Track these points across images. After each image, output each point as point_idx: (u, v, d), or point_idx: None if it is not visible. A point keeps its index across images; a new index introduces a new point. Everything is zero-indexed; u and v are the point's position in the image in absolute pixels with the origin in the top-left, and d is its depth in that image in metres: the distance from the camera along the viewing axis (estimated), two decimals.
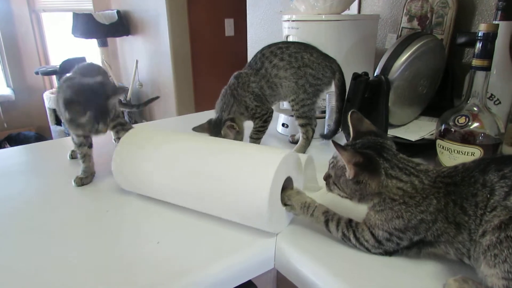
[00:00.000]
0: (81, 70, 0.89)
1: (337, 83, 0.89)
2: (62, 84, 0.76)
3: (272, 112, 0.93)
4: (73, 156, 0.95)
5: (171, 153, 0.67)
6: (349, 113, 0.60)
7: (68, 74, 0.88)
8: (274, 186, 0.56)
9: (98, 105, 0.69)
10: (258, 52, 0.91)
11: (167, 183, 0.66)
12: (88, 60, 3.30)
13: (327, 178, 0.58)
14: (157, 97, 0.86)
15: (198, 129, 0.91)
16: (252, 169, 0.58)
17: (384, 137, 0.55)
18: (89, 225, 0.66)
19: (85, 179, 0.80)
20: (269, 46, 0.90)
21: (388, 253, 0.53)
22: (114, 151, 0.72)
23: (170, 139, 0.71)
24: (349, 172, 0.51)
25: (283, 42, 0.92)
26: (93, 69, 0.90)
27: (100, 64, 0.99)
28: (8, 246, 0.60)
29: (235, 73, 0.91)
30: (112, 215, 0.68)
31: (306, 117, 0.89)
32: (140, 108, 0.75)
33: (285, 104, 1.07)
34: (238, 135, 0.90)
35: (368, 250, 0.54)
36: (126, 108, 1.31)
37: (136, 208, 0.71)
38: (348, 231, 0.55)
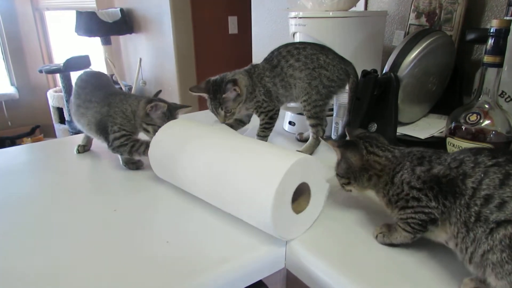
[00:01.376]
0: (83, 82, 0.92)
1: (351, 86, 0.89)
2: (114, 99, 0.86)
3: (278, 110, 0.92)
4: (79, 151, 0.97)
5: (195, 147, 0.68)
6: (346, 128, 0.69)
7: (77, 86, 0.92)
8: (281, 194, 0.54)
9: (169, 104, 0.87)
10: (274, 49, 0.90)
11: (190, 174, 0.68)
12: (91, 58, 3.29)
13: (340, 182, 0.63)
14: (160, 91, 0.94)
15: (195, 89, 0.88)
16: (260, 176, 0.56)
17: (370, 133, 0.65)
18: (96, 224, 0.65)
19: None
20: (286, 45, 0.90)
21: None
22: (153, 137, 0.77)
23: (199, 133, 0.72)
24: (337, 155, 0.61)
25: (300, 43, 0.92)
26: (93, 78, 0.93)
27: (99, 68, 1.01)
28: (15, 245, 0.60)
29: (252, 64, 0.91)
30: (120, 214, 0.68)
31: (318, 118, 0.89)
32: None
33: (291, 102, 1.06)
34: (238, 98, 0.86)
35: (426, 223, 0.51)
36: None
37: (145, 207, 0.71)
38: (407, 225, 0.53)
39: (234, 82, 0.84)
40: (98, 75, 0.94)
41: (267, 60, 0.91)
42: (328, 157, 0.90)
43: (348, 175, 0.60)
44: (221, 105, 0.85)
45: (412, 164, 0.52)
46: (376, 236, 0.57)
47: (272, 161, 0.58)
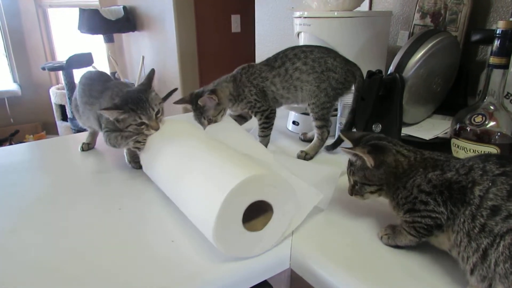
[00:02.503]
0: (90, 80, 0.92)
1: (357, 87, 0.89)
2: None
3: (274, 110, 0.92)
4: (83, 149, 0.97)
5: (170, 150, 0.69)
6: (340, 133, 0.67)
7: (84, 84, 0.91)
8: (226, 212, 0.51)
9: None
10: (280, 52, 0.91)
11: (162, 179, 0.69)
12: (93, 55, 3.27)
13: (352, 189, 0.60)
14: (175, 89, 0.91)
15: (180, 101, 0.91)
16: (206, 193, 0.55)
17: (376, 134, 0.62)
18: (101, 222, 0.65)
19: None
20: (293, 48, 0.90)
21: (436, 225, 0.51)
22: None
23: (178, 137, 0.72)
24: (369, 161, 0.55)
25: (306, 46, 0.92)
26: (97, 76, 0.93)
27: (102, 69, 1.01)
28: (20, 242, 0.60)
29: (248, 64, 0.92)
30: (124, 213, 0.68)
31: (324, 119, 0.89)
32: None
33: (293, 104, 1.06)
34: (218, 106, 0.88)
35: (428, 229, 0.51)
36: None
37: (149, 206, 0.71)
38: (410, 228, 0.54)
39: (212, 91, 0.86)
40: (101, 73, 0.95)
41: (269, 60, 0.91)
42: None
43: (382, 181, 0.56)
44: (203, 115, 0.88)
45: (426, 171, 0.52)
46: (381, 238, 0.57)
47: (219, 178, 0.55)
